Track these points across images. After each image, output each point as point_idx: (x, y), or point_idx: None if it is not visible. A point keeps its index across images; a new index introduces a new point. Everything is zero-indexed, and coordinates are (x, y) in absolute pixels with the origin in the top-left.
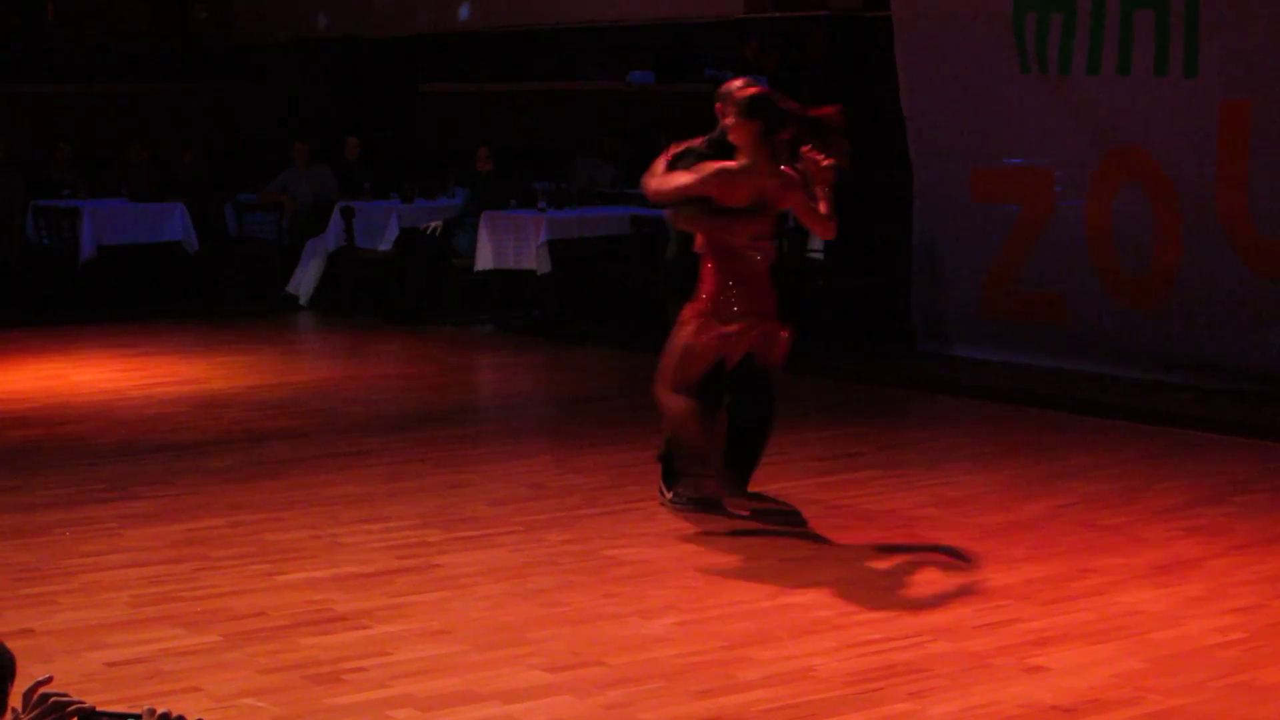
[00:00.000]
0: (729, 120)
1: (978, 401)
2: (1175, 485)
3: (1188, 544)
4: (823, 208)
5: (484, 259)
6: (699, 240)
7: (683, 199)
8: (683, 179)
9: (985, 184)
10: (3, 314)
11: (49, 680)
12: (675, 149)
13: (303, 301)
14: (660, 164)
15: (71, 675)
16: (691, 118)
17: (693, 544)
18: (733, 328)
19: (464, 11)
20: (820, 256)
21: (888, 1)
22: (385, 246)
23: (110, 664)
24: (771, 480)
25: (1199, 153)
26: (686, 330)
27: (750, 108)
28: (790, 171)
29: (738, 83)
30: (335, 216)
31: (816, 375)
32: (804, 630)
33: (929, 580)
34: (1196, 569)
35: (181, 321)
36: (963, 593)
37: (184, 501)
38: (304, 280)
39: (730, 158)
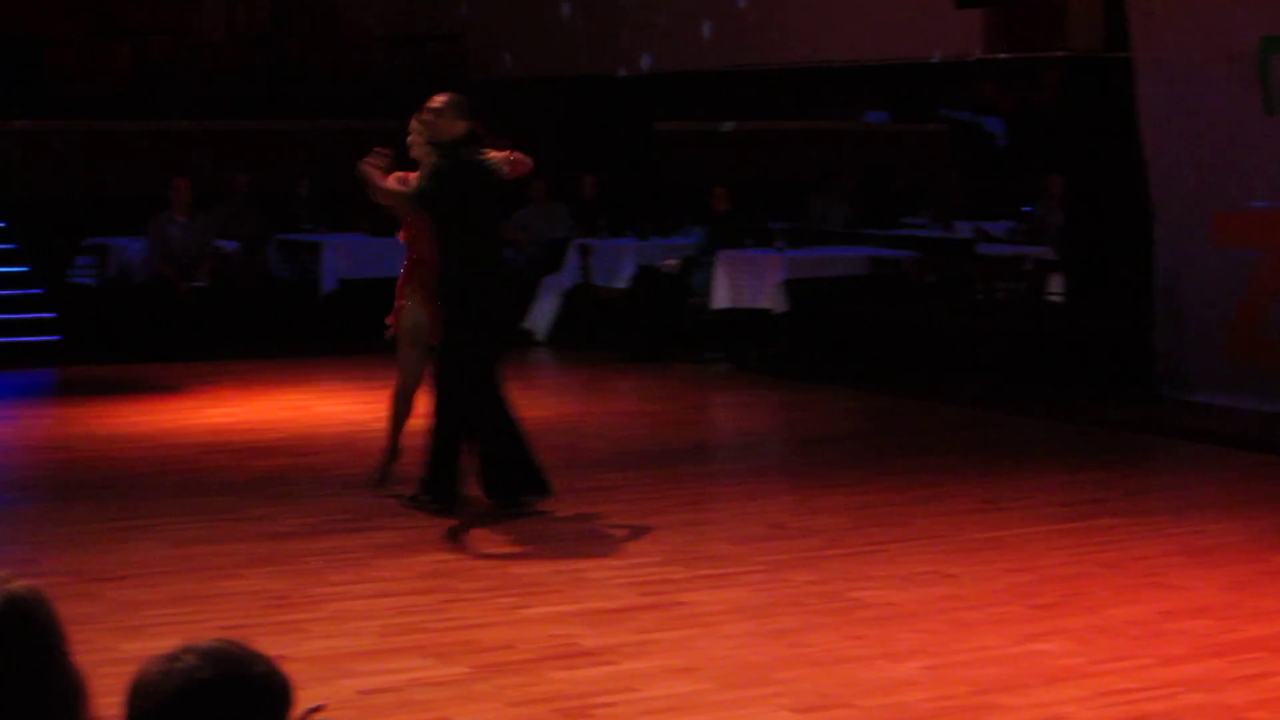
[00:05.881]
0: None
1: (1224, 449)
2: None
3: None
4: None
5: (721, 297)
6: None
7: None
8: None
9: (1228, 227)
10: (248, 346)
11: (321, 708)
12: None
13: (540, 337)
14: None
15: (325, 703)
16: (927, 157)
17: (938, 587)
18: None
19: (645, 60)
20: (1060, 299)
21: (1128, 42)
22: (622, 284)
23: (361, 692)
24: (1013, 525)
25: None
26: None
27: None
28: None
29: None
30: (572, 254)
31: (1056, 419)
32: (1054, 678)
33: (1180, 630)
34: None
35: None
36: (1216, 644)
37: (428, 533)
38: (541, 316)
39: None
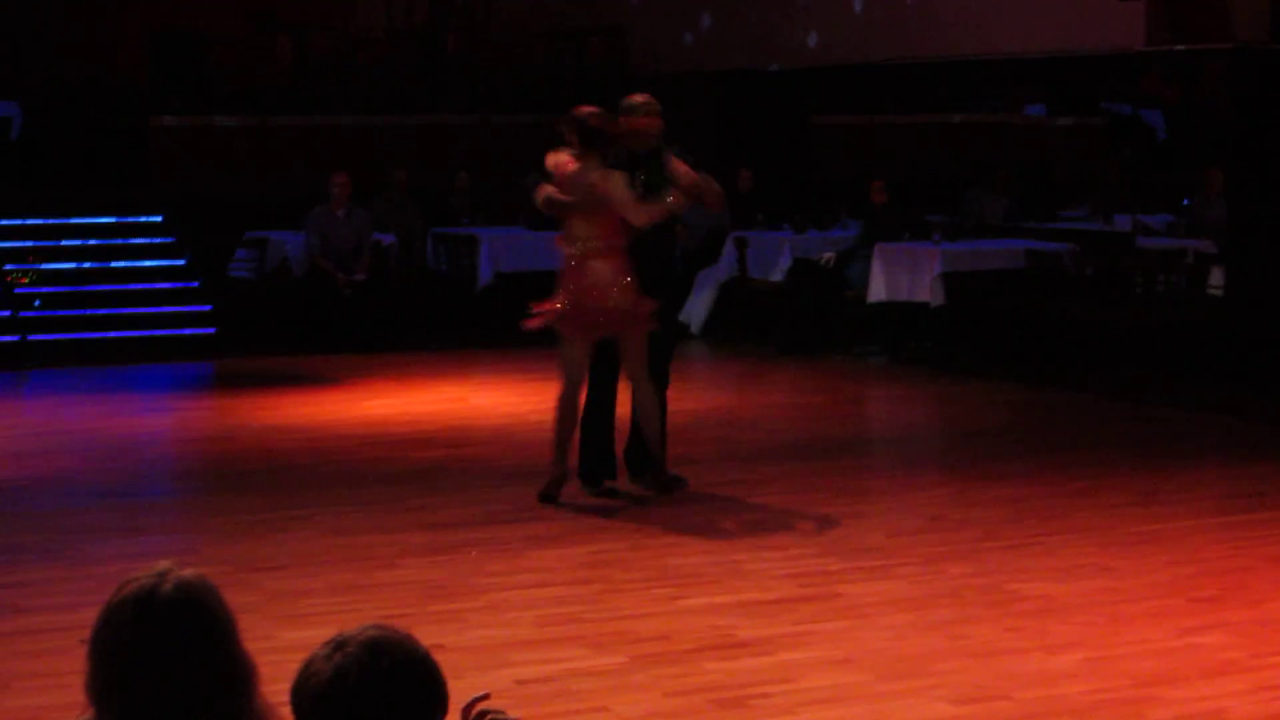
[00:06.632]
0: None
1: None
2: None
3: None
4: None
5: (877, 290)
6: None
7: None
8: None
9: None
10: (406, 338)
11: (486, 697)
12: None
13: (695, 330)
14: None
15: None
16: (1085, 150)
17: (1097, 580)
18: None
19: (812, 39)
20: (1220, 293)
21: None
22: (778, 277)
23: (519, 682)
24: (1172, 518)
25: None
26: None
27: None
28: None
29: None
30: (729, 246)
31: (1219, 412)
32: (1215, 671)
33: None
34: None
35: None
36: None
37: (585, 524)
38: (696, 309)
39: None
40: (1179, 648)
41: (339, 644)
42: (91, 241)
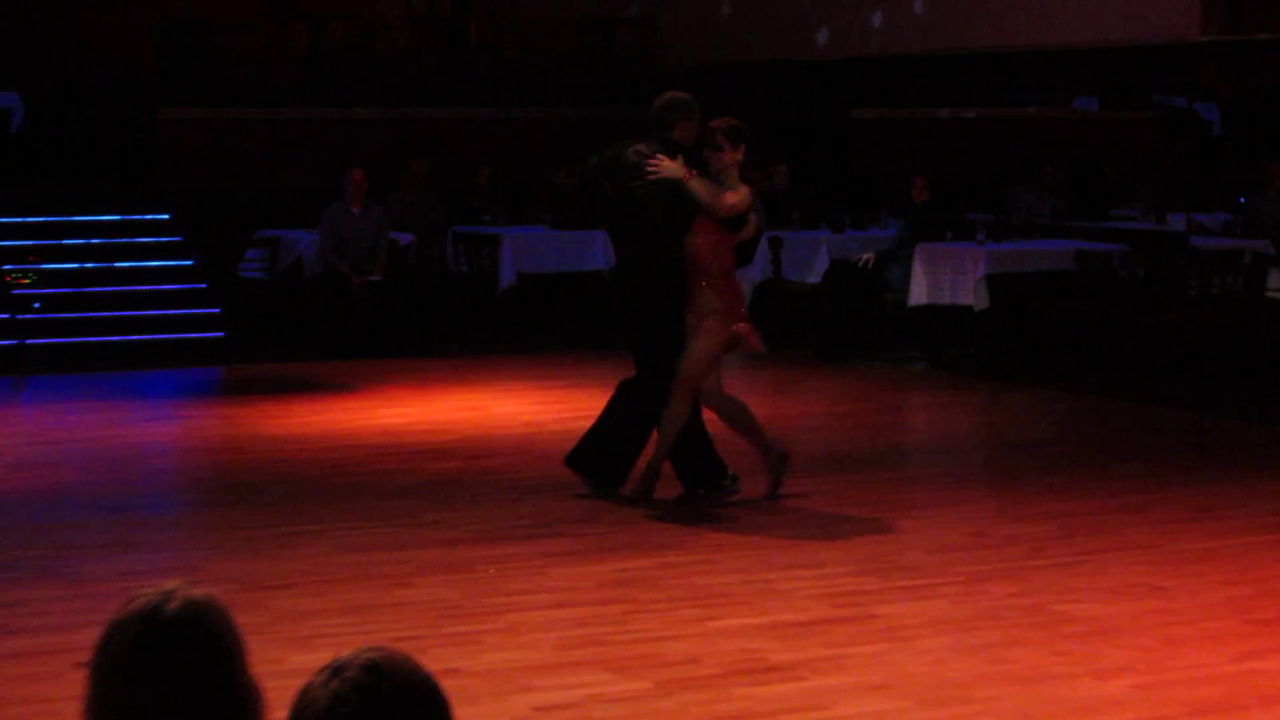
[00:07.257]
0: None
1: None
2: None
3: None
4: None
5: (918, 293)
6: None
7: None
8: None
9: None
10: (423, 342)
11: None
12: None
13: None
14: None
15: None
16: (1137, 146)
17: (1148, 601)
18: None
19: (841, 45)
20: (1279, 296)
21: None
22: (814, 279)
23: (538, 709)
24: (1229, 534)
25: None
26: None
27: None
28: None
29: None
30: (763, 247)
31: (1275, 422)
32: (1274, 698)
33: None
34: None
35: (603, 353)
36: None
37: (609, 540)
38: None
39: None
40: (1236, 673)
41: (336, 669)
42: (95, 240)
